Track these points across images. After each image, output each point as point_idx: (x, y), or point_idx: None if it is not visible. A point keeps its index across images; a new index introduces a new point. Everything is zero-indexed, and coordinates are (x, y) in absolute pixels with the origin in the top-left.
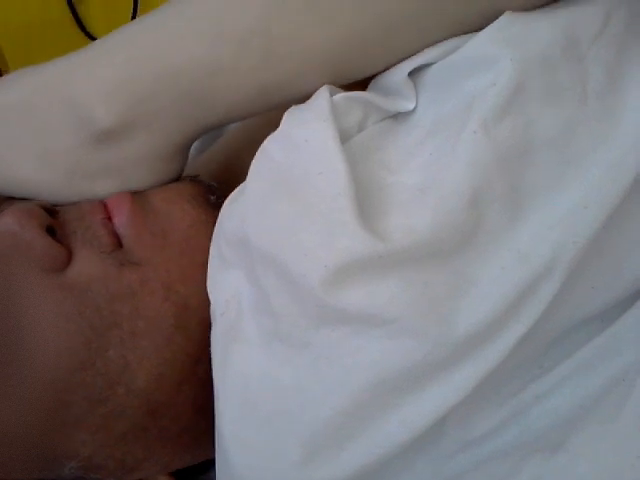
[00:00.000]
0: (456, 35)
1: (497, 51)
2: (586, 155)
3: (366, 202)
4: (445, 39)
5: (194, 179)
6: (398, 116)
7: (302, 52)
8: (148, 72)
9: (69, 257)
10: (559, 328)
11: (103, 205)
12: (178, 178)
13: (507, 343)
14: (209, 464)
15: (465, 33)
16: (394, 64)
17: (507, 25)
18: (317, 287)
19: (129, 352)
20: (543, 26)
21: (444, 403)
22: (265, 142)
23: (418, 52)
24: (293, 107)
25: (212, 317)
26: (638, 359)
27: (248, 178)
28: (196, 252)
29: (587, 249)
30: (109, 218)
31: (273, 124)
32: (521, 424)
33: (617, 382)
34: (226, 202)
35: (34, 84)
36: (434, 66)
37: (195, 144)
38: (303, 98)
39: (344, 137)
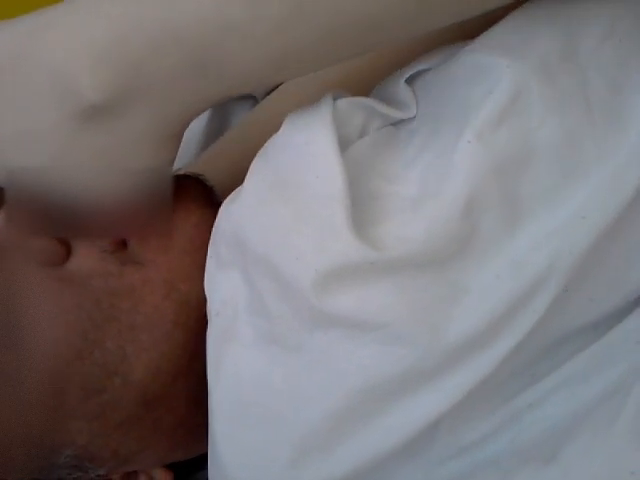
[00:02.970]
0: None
1: (493, 59)
2: (588, 164)
3: (361, 209)
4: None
5: (198, 178)
6: (398, 123)
7: (330, 14)
8: (144, 31)
9: (68, 253)
10: (553, 337)
11: None
12: (169, 171)
13: (499, 352)
14: (206, 461)
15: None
16: (422, 33)
17: (503, 33)
18: (308, 291)
19: (128, 344)
20: (540, 34)
21: (435, 410)
22: (265, 144)
23: (451, 21)
24: (295, 110)
25: (208, 317)
26: (632, 370)
27: (246, 179)
28: (199, 251)
29: (585, 259)
30: None
31: (276, 125)
32: (513, 432)
33: (611, 394)
34: (224, 202)
35: (4, 45)
36: (432, 73)
37: (196, 144)
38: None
39: (345, 142)
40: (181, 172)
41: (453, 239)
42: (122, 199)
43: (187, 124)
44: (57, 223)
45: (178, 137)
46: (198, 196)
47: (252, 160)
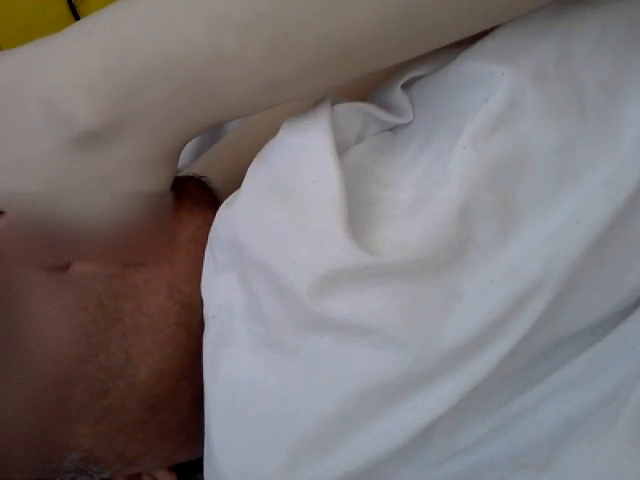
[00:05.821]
0: (485, 27)
1: (489, 67)
2: (583, 170)
3: (357, 214)
4: (472, 32)
5: (201, 180)
6: (395, 129)
7: (317, 41)
8: (137, 60)
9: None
10: (549, 342)
11: None
12: (166, 190)
13: (493, 357)
14: None
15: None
16: (414, 56)
17: (498, 40)
18: (304, 295)
19: (132, 347)
20: (535, 42)
21: (428, 414)
22: (263, 148)
23: (442, 44)
24: (293, 114)
25: (205, 320)
26: (628, 377)
27: (243, 182)
28: (202, 252)
29: (580, 264)
30: None
31: (273, 129)
32: (508, 435)
33: (607, 401)
34: (222, 206)
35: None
36: (428, 79)
37: (192, 148)
38: (311, 96)
39: (342, 147)
40: (183, 174)
41: (448, 245)
42: (121, 223)
43: (182, 147)
44: (57, 247)
45: (173, 160)
46: (201, 198)
47: (249, 163)
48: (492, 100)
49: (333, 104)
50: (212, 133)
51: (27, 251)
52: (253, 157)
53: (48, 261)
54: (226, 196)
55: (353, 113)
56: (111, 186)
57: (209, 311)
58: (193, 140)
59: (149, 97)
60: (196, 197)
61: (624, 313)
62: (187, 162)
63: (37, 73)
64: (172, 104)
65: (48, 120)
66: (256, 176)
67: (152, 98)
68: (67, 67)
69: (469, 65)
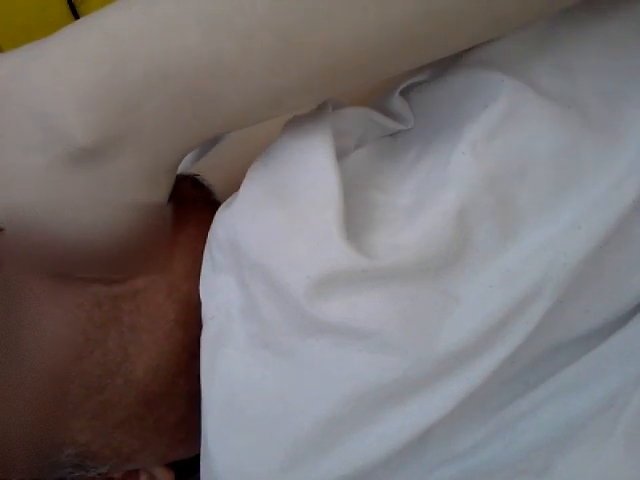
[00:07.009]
0: (493, 35)
1: (489, 73)
2: (586, 175)
3: (356, 218)
4: (479, 41)
5: (196, 178)
6: (396, 134)
7: (319, 47)
8: (135, 70)
9: None
10: (547, 347)
11: None
12: (165, 201)
13: (491, 363)
14: None
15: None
16: (420, 64)
17: (498, 47)
18: (300, 297)
19: (129, 344)
20: (535, 49)
21: (425, 419)
22: (263, 151)
23: (450, 52)
24: (293, 117)
25: (203, 320)
26: (627, 382)
27: (242, 184)
28: (201, 251)
29: (581, 270)
30: None
31: (274, 132)
32: (505, 440)
33: (605, 407)
34: (221, 207)
35: None
36: (427, 85)
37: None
38: (314, 104)
39: (342, 152)
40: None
41: (446, 249)
42: (120, 235)
43: (181, 159)
44: (57, 259)
45: (172, 172)
46: (197, 196)
47: (249, 166)
48: (492, 106)
49: (334, 109)
50: None
51: (27, 264)
52: (253, 159)
53: (48, 272)
54: (226, 198)
55: (354, 118)
56: (109, 199)
57: (208, 312)
58: None
59: (146, 110)
60: (193, 196)
61: (623, 320)
62: (187, 165)
63: (30, 83)
64: (171, 117)
65: (42, 135)
66: (255, 178)
67: (150, 111)
68: (60, 77)
69: (468, 71)
